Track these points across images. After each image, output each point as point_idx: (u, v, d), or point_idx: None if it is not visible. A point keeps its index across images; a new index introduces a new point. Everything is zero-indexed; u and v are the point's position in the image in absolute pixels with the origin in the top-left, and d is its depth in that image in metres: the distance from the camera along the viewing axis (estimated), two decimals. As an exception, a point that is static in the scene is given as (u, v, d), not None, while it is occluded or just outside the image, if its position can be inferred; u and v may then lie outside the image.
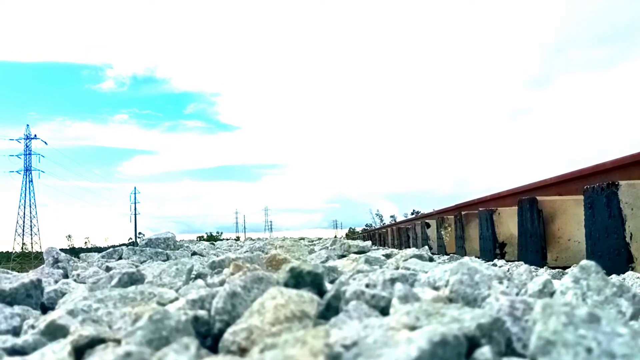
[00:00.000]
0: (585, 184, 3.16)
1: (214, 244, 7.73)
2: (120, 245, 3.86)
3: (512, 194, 5.84)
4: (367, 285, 1.34)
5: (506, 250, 4.59)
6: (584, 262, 1.26)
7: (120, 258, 3.33)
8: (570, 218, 3.71)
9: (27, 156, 67.33)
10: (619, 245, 2.74)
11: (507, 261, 4.17)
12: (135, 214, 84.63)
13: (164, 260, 3.29)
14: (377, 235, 14.56)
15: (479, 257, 4.84)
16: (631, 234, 2.70)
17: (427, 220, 7.63)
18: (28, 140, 67.34)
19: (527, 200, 3.90)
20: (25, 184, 67.94)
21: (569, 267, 3.16)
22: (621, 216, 2.74)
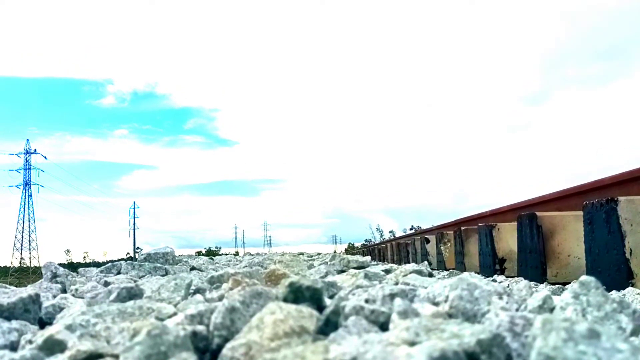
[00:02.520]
0: (585, 199, 3.16)
1: (212, 259, 7.71)
2: (118, 260, 3.85)
3: (511, 209, 5.85)
4: (367, 301, 1.34)
5: (506, 266, 4.58)
6: (584, 277, 1.26)
7: (118, 273, 3.32)
8: (570, 234, 3.71)
9: (27, 171, 67.35)
10: (619, 261, 2.73)
11: (506, 277, 4.15)
12: (134, 229, 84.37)
13: (163, 275, 3.28)
14: (376, 251, 14.52)
15: (478, 273, 4.83)
16: (631, 249, 2.70)
17: (426, 236, 7.62)
18: (28, 155, 67.42)
19: (527, 215, 3.90)
20: (25, 198, 67.86)
21: (569, 283, 3.15)
22: (621, 232, 2.74)
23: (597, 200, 2.96)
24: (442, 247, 6.60)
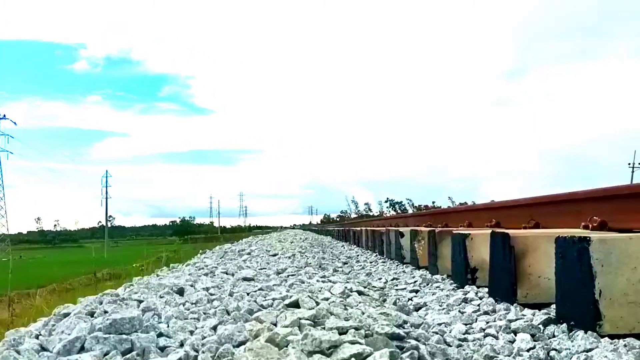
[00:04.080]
0: (560, 209, 3.16)
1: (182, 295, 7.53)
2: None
3: (485, 208, 5.89)
4: None
5: (477, 276, 4.60)
6: None
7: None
8: (542, 254, 3.71)
9: (-5, 137, 65.29)
10: (589, 301, 2.73)
11: (477, 287, 4.20)
12: (106, 198, 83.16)
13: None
14: (351, 233, 14.57)
15: (450, 276, 4.92)
16: (600, 290, 2.70)
17: (400, 230, 7.63)
18: (-4, 120, 65.24)
19: (499, 234, 3.89)
20: (-7, 165, 65.98)
21: (539, 304, 3.19)
22: (591, 272, 2.73)
23: (570, 237, 2.94)
24: (415, 245, 6.62)
